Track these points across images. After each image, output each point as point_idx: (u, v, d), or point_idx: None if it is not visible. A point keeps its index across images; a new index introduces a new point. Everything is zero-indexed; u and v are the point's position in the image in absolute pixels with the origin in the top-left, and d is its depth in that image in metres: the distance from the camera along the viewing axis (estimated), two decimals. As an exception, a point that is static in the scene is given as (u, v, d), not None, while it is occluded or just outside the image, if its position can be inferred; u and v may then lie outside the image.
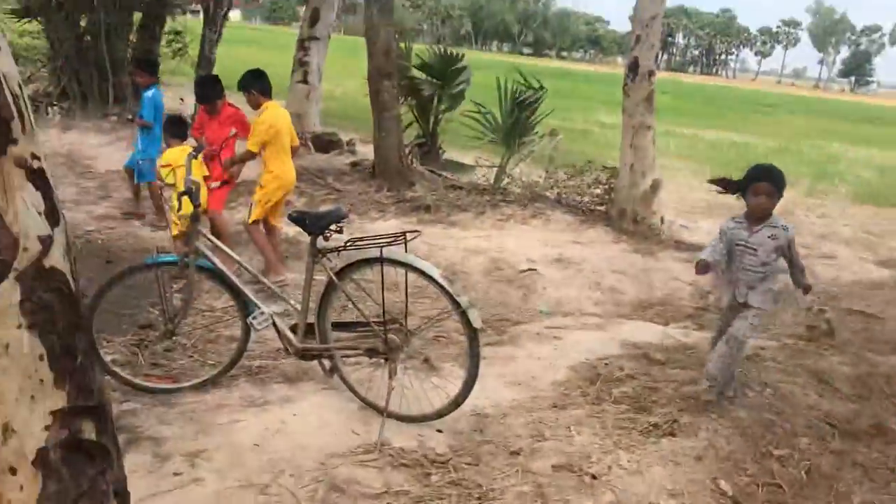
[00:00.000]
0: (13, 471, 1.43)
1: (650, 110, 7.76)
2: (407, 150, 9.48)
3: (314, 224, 3.67)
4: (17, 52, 13.41)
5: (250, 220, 6.22)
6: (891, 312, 7.32)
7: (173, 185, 5.92)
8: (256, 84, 6.07)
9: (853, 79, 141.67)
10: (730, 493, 3.38)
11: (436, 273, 3.52)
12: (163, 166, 6.11)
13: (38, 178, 1.44)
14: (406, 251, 3.64)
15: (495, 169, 9.78)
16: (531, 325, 5.80)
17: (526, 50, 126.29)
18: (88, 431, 1.50)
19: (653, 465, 3.38)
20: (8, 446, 1.42)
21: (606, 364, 4.75)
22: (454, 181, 9.40)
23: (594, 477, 3.25)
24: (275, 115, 6.11)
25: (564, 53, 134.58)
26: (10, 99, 1.42)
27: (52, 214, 1.45)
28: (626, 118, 7.91)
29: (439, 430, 3.73)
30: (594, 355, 4.94)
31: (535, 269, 6.95)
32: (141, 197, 8.14)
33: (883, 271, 9.10)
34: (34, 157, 1.44)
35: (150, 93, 7.68)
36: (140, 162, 7.72)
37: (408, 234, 3.60)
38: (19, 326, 1.38)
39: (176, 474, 3.15)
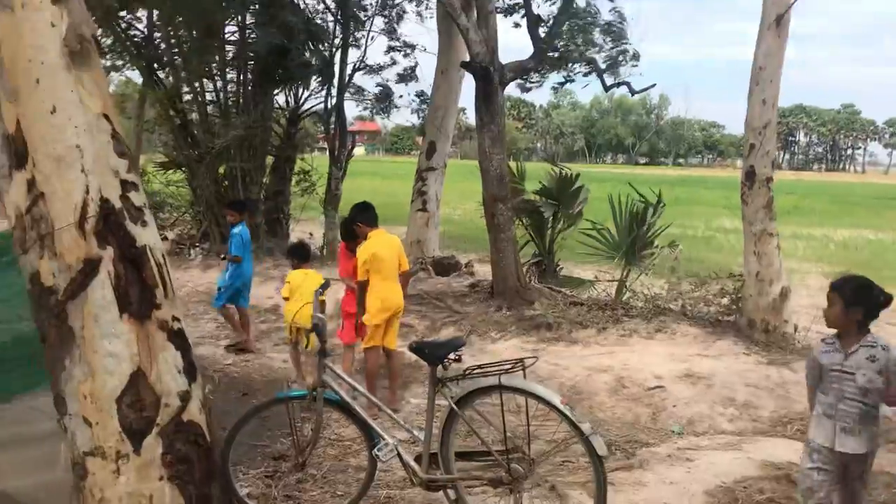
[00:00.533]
0: None
1: (771, 217, 7.57)
2: (524, 269, 9.58)
3: (433, 354, 3.76)
4: (163, 199, 14.73)
5: (363, 346, 6.40)
6: None
7: (286, 300, 6.57)
8: (360, 216, 6.47)
9: None
10: None
11: (556, 400, 3.50)
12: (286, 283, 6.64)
13: (178, 338, 1.59)
14: (525, 377, 3.65)
15: (615, 283, 9.70)
16: (662, 446, 5.59)
17: (641, 160, 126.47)
18: (224, 576, 1.58)
19: None
20: (151, 592, 1.51)
21: (745, 487, 4.49)
22: (574, 297, 9.37)
23: None
24: (376, 243, 6.32)
25: (681, 160, 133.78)
26: (155, 269, 1.60)
27: (190, 371, 1.60)
28: (746, 226, 7.74)
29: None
30: (731, 478, 4.69)
31: (663, 386, 6.74)
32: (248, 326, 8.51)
33: None
34: (174, 318, 1.60)
35: (237, 229, 8.23)
36: (220, 289, 8.20)
37: (526, 361, 3.61)
38: (161, 479, 1.50)
39: None
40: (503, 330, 8.57)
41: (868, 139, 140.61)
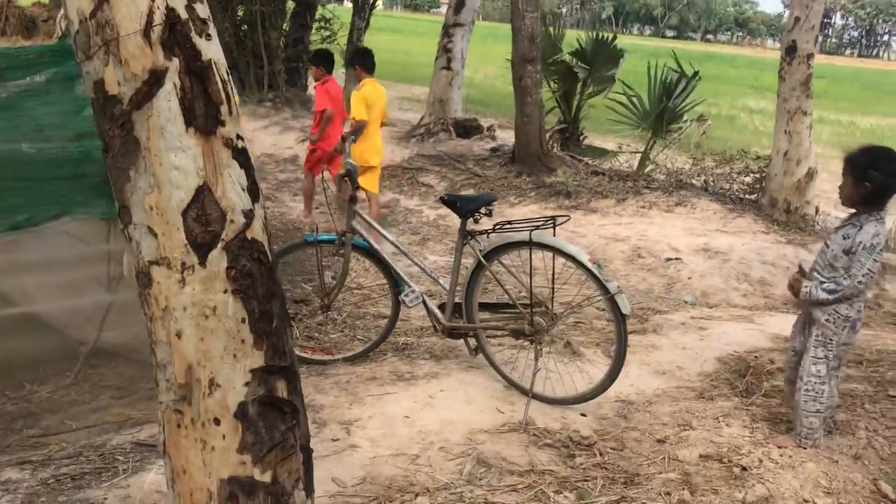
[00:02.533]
0: (217, 421, 1.59)
1: (807, 95, 7.38)
2: (548, 136, 9.46)
3: (465, 207, 3.77)
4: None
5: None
6: None
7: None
8: (360, 60, 6.91)
9: None
10: (892, 496, 3.22)
11: (584, 258, 3.53)
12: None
13: (242, 157, 1.58)
14: (555, 234, 3.67)
15: (638, 155, 9.61)
16: (675, 314, 5.69)
17: (669, 33, 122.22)
18: (281, 390, 1.64)
19: (806, 462, 3.26)
20: (214, 398, 1.58)
21: (756, 357, 4.61)
22: (595, 167, 9.31)
23: (744, 468, 3.19)
24: (373, 90, 6.75)
25: (710, 36, 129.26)
26: (219, 85, 1.57)
27: (254, 190, 1.60)
28: (780, 102, 7.56)
29: (583, 414, 3.76)
30: (743, 347, 4.81)
31: (680, 259, 6.79)
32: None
33: None
34: (238, 137, 1.58)
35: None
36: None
37: (557, 219, 3.62)
38: (225, 291, 1.52)
39: (334, 440, 3.34)
40: (522, 195, 8.57)
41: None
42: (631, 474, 3.20)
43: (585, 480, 3.15)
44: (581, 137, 10.47)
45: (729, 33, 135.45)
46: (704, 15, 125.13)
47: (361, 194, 5.64)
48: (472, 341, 4.06)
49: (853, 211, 3.30)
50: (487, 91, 19.84)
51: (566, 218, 3.75)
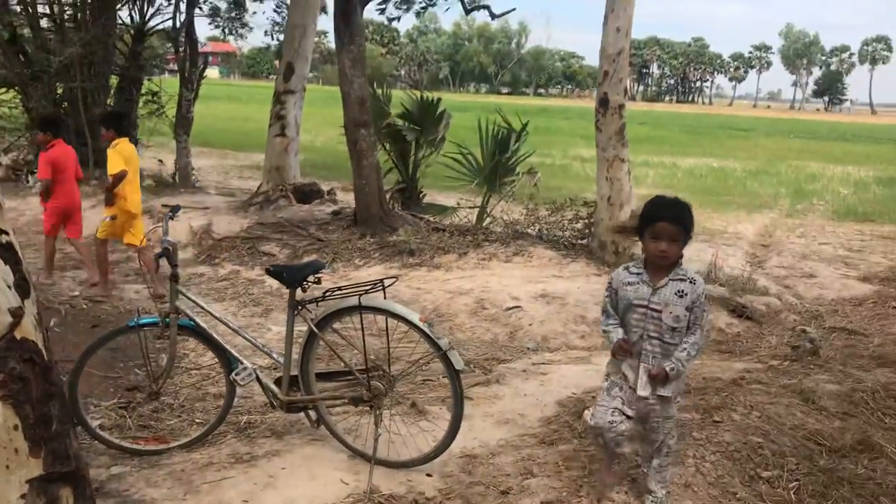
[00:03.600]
0: (-8, 542, 1.46)
1: (623, 143, 7.89)
2: (388, 196, 9.58)
3: (292, 277, 3.71)
4: (-6, 121, 13.57)
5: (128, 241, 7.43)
6: (874, 327, 7.41)
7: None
8: (112, 123, 7.39)
9: (827, 98, 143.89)
10: (720, 520, 3.40)
11: (415, 317, 3.56)
12: None
13: (7, 252, 1.48)
14: (385, 297, 3.68)
15: (476, 209, 9.88)
16: (518, 362, 5.83)
17: (504, 89, 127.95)
18: (66, 498, 1.52)
19: (643, 494, 3.39)
20: (-15, 517, 1.44)
21: (594, 397, 4.77)
22: (436, 223, 9.49)
23: (584, 512, 3.26)
24: (125, 147, 7.28)
25: (542, 91, 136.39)
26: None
27: (22, 286, 1.50)
28: (599, 152, 8.04)
29: (429, 475, 3.74)
30: (581, 389, 4.98)
31: (520, 307, 6.99)
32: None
33: (865, 287, 9.20)
34: (2, 232, 1.49)
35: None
36: None
37: (385, 281, 3.64)
38: (-7, 399, 1.41)
39: (165, 536, 3.14)
40: (366, 256, 8.59)
41: (715, 72, 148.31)
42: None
43: (431, 543, 3.12)
44: (421, 195, 10.67)
45: (559, 87, 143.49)
46: (534, 71, 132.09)
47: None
48: (313, 413, 3.97)
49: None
50: (329, 154, 19.89)
51: (394, 279, 3.77)
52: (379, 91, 10.40)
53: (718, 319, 7.08)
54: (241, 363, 3.91)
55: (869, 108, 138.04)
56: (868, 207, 15.36)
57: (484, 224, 9.35)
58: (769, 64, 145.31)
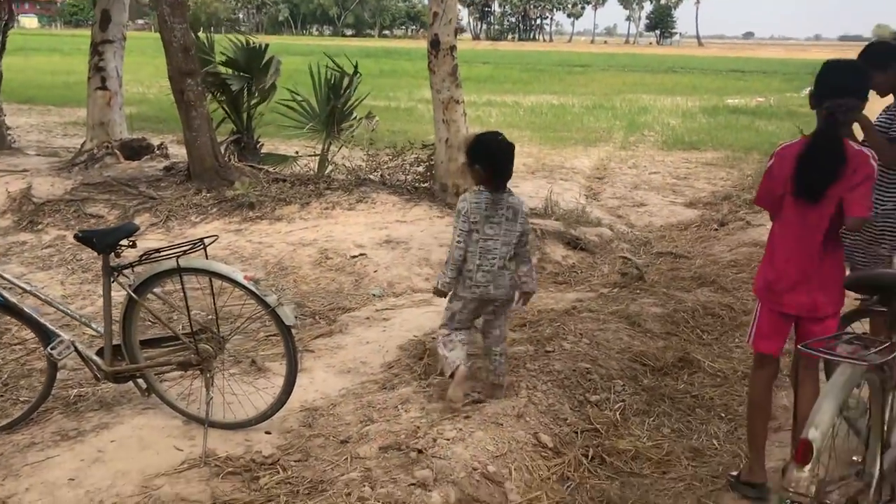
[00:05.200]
0: None
1: (457, 84, 7.91)
2: (222, 148, 9.20)
3: (102, 242, 3.50)
4: None
5: None
6: (697, 250, 7.95)
7: None
8: None
9: (658, 32, 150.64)
10: (550, 444, 3.57)
11: (238, 276, 3.45)
12: None
13: None
14: (207, 256, 3.55)
15: (317, 158, 9.69)
16: (363, 310, 5.83)
17: (348, 31, 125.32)
18: None
19: (476, 431, 3.50)
20: None
21: (434, 338, 4.85)
22: (277, 174, 9.23)
23: (420, 451, 3.33)
24: None
25: (387, 32, 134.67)
26: None
27: None
28: (434, 94, 8.04)
29: (268, 432, 3.70)
30: (422, 331, 5.05)
31: (365, 254, 6.97)
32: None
33: (690, 212, 9.82)
34: None
35: None
36: None
37: (206, 240, 3.50)
38: None
39: (-19, 528, 2.95)
40: (203, 213, 8.25)
41: (554, 9, 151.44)
42: (315, 482, 3.21)
43: (269, 500, 3.10)
44: (258, 146, 10.31)
45: (404, 28, 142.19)
46: (378, 12, 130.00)
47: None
48: (143, 382, 3.81)
49: None
50: (163, 107, 18.83)
51: (214, 238, 3.63)
52: (203, 37, 9.88)
53: (555, 252, 7.35)
54: (57, 335, 3.68)
55: (696, 40, 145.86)
56: (694, 137, 16.30)
57: (325, 172, 9.19)
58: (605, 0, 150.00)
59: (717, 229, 8.71)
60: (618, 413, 3.98)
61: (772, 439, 3.78)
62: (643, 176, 12.10)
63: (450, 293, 3.93)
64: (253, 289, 3.42)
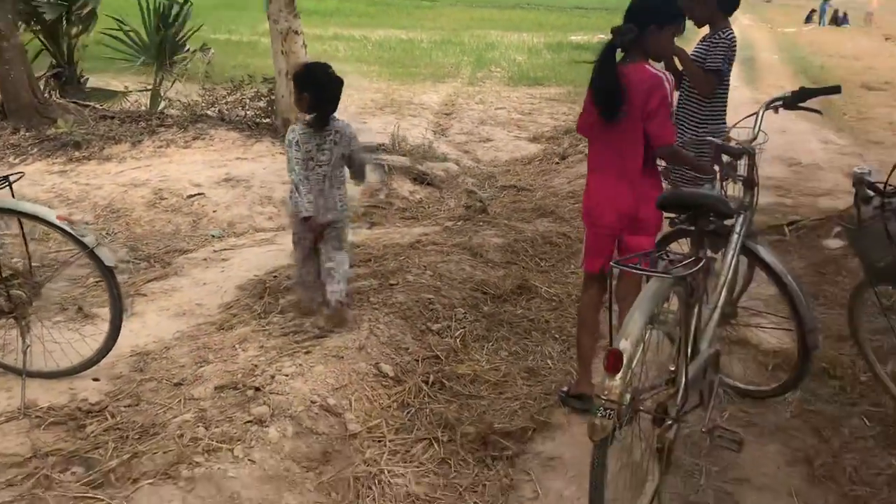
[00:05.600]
0: None
1: (294, 14, 7.63)
2: (41, 83, 8.49)
3: None
4: None
5: None
6: (538, 183, 8.16)
7: None
8: None
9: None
10: (391, 374, 3.61)
11: (50, 215, 3.22)
12: None
13: None
14: (13, 195, 3.27)
15: (150, 93, 9.14)
16: (201, 251, 5.62)
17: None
18: None
19: (316, 365, 3.48)
20: None
21: (275, 276, 4.76)
22: (105, 111, 8.64)
23: (257, 389, 3.28)
24: None
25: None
26: None
27: None
28: (272, 25, 7.73)
29: (95, 379, 3.52)
30: (263, 270, 4.93)
31: (203, 194, 6.69)
32: None
33: (533, 146, 10.06)
34: None
35: None
36: None
37: (11, 177, 3.22)
38: None
39: None
40: (23, 153, 7.62)
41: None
42: (146, 427, 3.09)
43: (96, 448, 2.96)
44: (82, 80, 9.58)
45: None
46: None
47: None
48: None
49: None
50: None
51: (20, 175, 3.34)
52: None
53: (402, 188, 7.35)
54: None
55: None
56: (539, 73, 16.60)
57: (158, 108, 8.70)
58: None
59: (558, 163, 8.97)
60: (458, 340, 4.07)
61: (602, 356, 4.01)
62: (490, 111, 12.24)
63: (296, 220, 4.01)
64: (67, 229, 3.20)
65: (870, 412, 3.44)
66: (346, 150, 3.93)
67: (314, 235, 4.00)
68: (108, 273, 3.30)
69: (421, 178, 7.58)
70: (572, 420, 3.45)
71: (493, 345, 4.15)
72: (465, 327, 4.24)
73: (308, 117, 3.85)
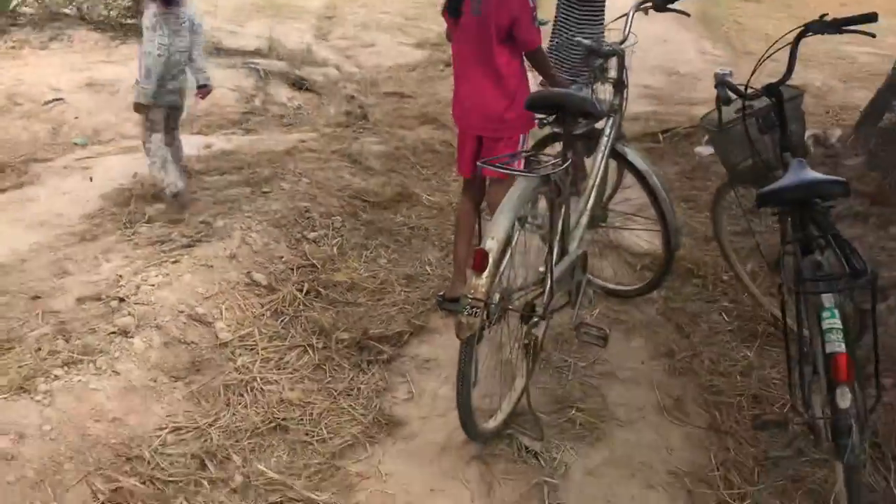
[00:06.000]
0: None
1: None
2: None
3: None
4: None
5: None
6: (422, 90, 8.04)
7: None
8: None
9: None
10: (264, 282, 3.53)
11: None
12: None
13: None
14: None
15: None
16: (60, 160, 5.27)
17: None
18: None
19: (184, 275, 3.36)
20: None
21: (142, 185, 4.53)
22: (-53, 8, 7.85)
23: (122, 299, 3.14)
24: None
25: None
26: None
27: None
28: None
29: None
30: (128, 178, 4.68)
31: (62, 99, 6.24)
32: None
33: (418, 53, 9.85)
34: None
35: None
36: None
37: None
38: None
39: None
40: None
41: None
42: (0, 342, 2.92)
43: (-57, 365, 2.78)
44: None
45: None
46: None
47: None
48: None
49: None
50: None
51: None
52: None
53: (279, 94, 7.09)
54: None
55: None
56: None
57: (10, 7, 7.96)
58: None
59: (442, 70, 8.82)
60: (335, 248, 4.01)
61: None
62: (374, 15, 11.86)
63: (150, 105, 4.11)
64: None
65: (728, 308, 3.62)
66: (195, 37, 4.14)
67: (166, 118, 4.22)
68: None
69: (299, 84, 7.32)
70: (448, 323, 3.49)
71: (371, 252, 4.11)
72: (342, 235, 4.18)
73: (160, 3, 3.90)
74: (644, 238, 4.13)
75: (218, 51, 7.62)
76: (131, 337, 2.92)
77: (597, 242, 3.76)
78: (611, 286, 3.68)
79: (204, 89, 4.37)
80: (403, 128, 6.24)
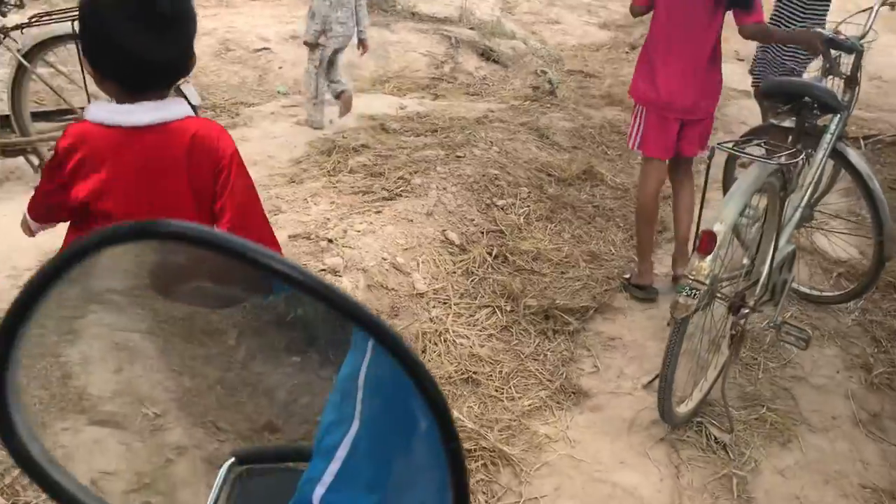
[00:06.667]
0: None
1: None
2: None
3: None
4: None
5: None
6: (607, 70, 7.95)
7: None
8: None
9: None
10: (456, 241, 3.65)
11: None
12: None
13: None
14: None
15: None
16: (267, 105, 5.63)
17: None
18: None
19: (386, 225, 3.53)
20: None
21: (344, 136, 4.77)
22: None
23: (330, 241, 3.34)
24: None
25: None
26: None
27: None
28: None
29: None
30: (332, 130, 4.94)
31: (269, 48, 6.63)
32: None
33: (603, 33, 9.73)
34: None
35: None
36: None
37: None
38: None
39: None
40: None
41: None
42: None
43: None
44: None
45: None
46: None
47: None
48: (35, 158, 3.60)
49: None
50: None
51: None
52: None
53: (467, 62, 7.21)
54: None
55: None
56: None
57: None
58: None
59: (627, 52, 8.70)
60: (522, 217, 4.08)
61: (665, 249, 4.01)
62: (560, -7, 11.80)
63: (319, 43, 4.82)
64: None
65: (930, 330, 3.42)
66: None
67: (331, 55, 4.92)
68: (194, 111, 3.32)
69: (487, 54, 7.41)
70: (633, 306, 3.49)
71: (555, 226, 4.15)
72: (529, 206, 4.24)
73: None
74: (839, 245, 3.95)
75: (413, 15, 7.84)
76: (340, 276, 3.10)
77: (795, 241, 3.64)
78: (806, 290, 3.55)
79: (363, 43, 5.02)
80: (589, 107, 6.21)
